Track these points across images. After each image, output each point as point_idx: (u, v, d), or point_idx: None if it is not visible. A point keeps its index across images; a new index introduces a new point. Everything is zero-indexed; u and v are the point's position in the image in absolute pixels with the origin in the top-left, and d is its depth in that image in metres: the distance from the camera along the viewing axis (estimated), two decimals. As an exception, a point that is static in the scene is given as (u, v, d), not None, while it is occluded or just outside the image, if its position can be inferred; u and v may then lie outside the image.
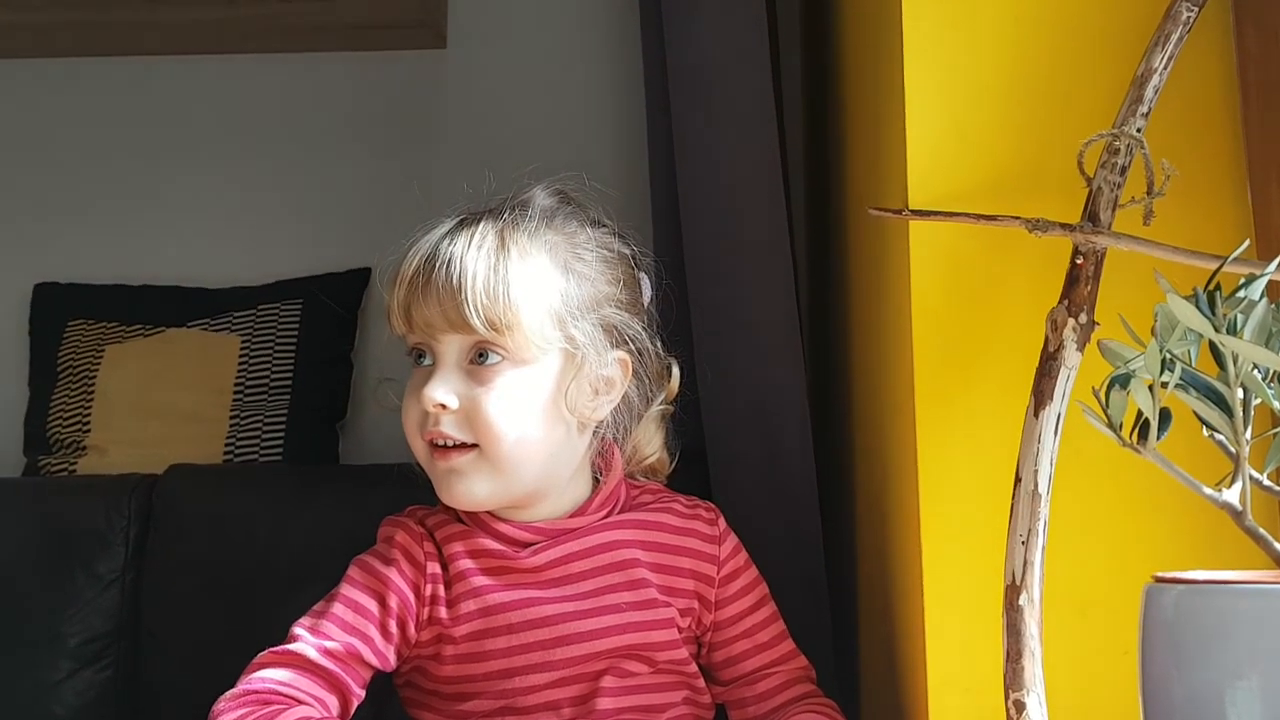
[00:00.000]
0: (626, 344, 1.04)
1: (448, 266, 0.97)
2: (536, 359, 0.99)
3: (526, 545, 1.01)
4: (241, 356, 1.78)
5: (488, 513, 1.02)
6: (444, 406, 0.97)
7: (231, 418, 1.73)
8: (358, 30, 1.85)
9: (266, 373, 1.78)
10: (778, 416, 1.25)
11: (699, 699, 1.02)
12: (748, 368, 1.24)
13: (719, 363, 1.22)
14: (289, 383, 1.78)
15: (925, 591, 0.91)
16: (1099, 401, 0.71)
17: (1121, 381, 0.69)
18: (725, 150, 1.25)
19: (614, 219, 1.07)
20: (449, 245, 0.98)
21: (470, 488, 0.99)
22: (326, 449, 1.79)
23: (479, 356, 0.98)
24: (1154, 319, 0.68)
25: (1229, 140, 0.93)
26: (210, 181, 1.88)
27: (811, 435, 1.24)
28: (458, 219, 1.02)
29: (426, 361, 1.00)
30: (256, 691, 0.92)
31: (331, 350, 1.82)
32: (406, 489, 1.55)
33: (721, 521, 1.07)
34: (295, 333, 1.81)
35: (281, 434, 1.74)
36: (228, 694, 0.92)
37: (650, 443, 1.08)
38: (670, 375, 1.08)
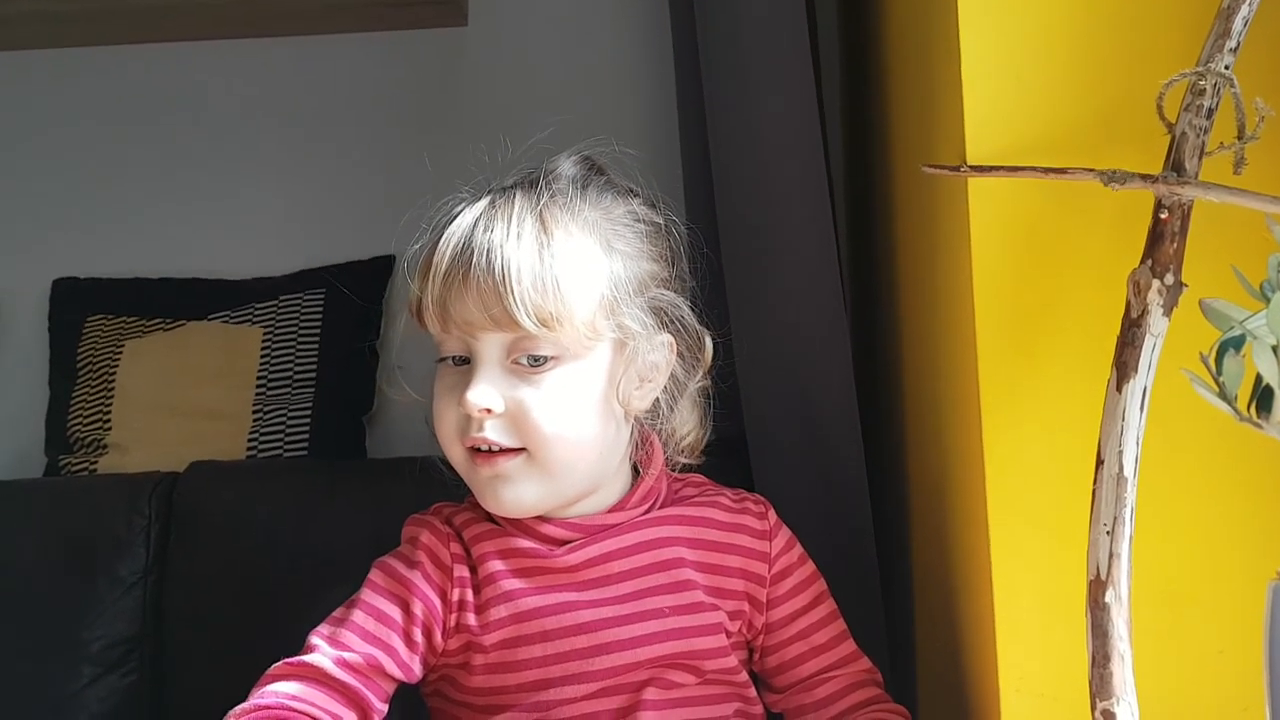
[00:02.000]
0: (672, 324, 0.96)
1: (489, 258, 0.88)
2: (587, 353, 0.91)
3: (562, 543, 0.94)
4: (264, 349, 1.73)
5: None
6: (489, 411, 0.90)
7: (254, 412, 1.68)
8: (376, 8, 1.79)
9: (290, 365, 1.73)
10: (822, 398, 1.17)
11: (750, 710, 0.94)
12: (788, 344, 1.16)
13: (757, 339, 1.14)
14: (313, 375, 1.73)
15: (994, 586, 0.83)
16: (1208, 370, 0.62)
17: (1235, 345, 0.60)
18: (761, 114, 1.17)
19: (643, 184, 0.99)
20: (486, 233, 0.89)
21: (519, 494, 0.91)
22: (353, 442, 1.73)
23: (525, 355, 0.90)
24: (1268, 272, 0.59)
25: (1326, 78, 0.84)
26: (229, 169, 1.83)
27: (859, 419, 1.16)
28: (487, 198, 0.93)
29: (464, 360, 0.92)
30: (268, 707, 0.84)
31: (356, 341, 1.76)
32: (435, 483, 1.51)
33: (772, 514, 0.98)
34: (318, 323, 1.76)
35: (306, 428, 1.69)
36: (237, 710, 0.85)
37: (686, 422, 0.99)
38: (704, 347, 0.99)
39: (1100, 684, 0.71)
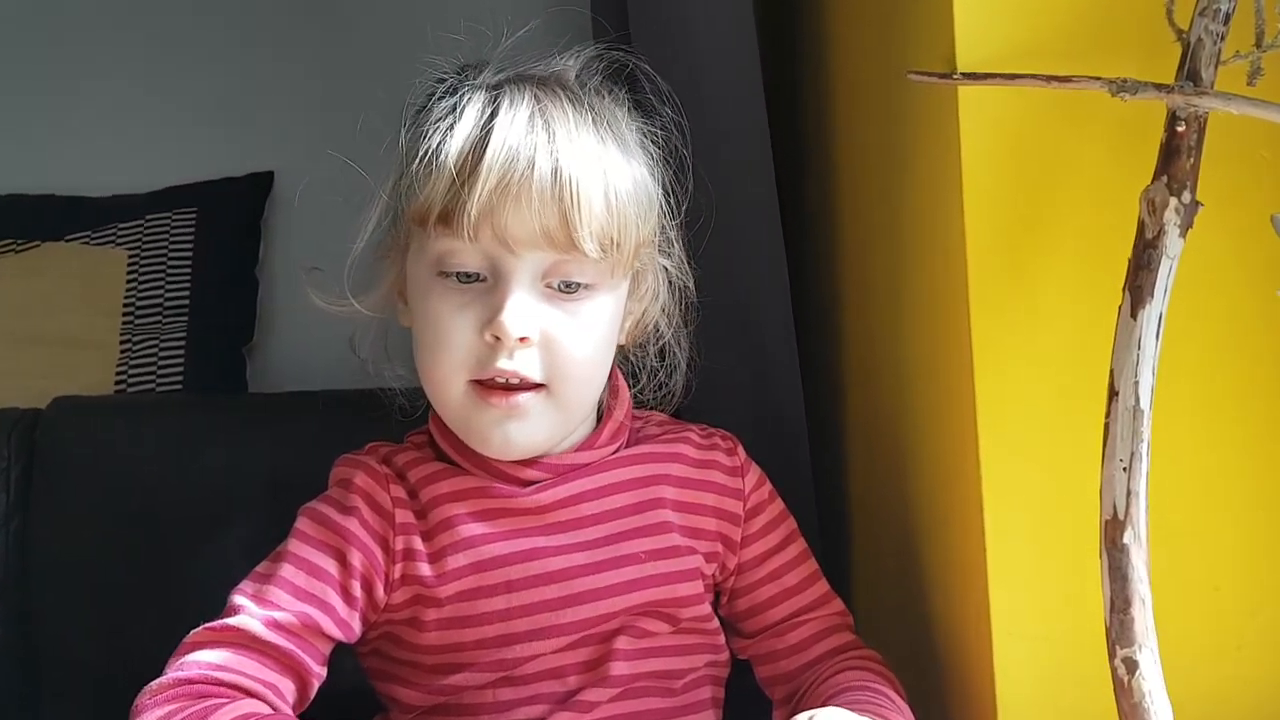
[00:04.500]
0: (668, 254, 0.89)
1: (556, 170, 0.78)
2: (616, 282, 0.84)
3: (528, 484, 0.85)
4: (130, 273, 1.59)
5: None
6: (525, 340, 0.80)
7: (122, 343, 1.55)
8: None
9: (160, 291, 1.59)
10: (761, 320, 1.10)
11: (718, 659, 0.88)
12: (726, 266, 1.09)
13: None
14: (186, 302, 1.59)
15: (986, 525, 0.78)
16: None
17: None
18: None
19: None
20: (544, 137, 0.79)
21: (531, 433, 0.82)
22: (233, 375, 1.60)
23: (562, 280, 0.81)
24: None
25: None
26: (85, 72, 1.66)
27: (797, 355, 1.10)
28: (526, 94, 0.82)
29: (476, 277, 0.81)
30: (189, 681, 0.73)
31: (233, 265, 1.64)
32: (335, 419, 1.39)
33: (741, 450, 0.91)
34: (190, 246, 1.63)
35: (180, 360, 1.56)
36: (153, 685, 0.74)
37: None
38: (689, 279, 0.93)
39: (1120, 630, 0.67)
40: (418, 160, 0.81)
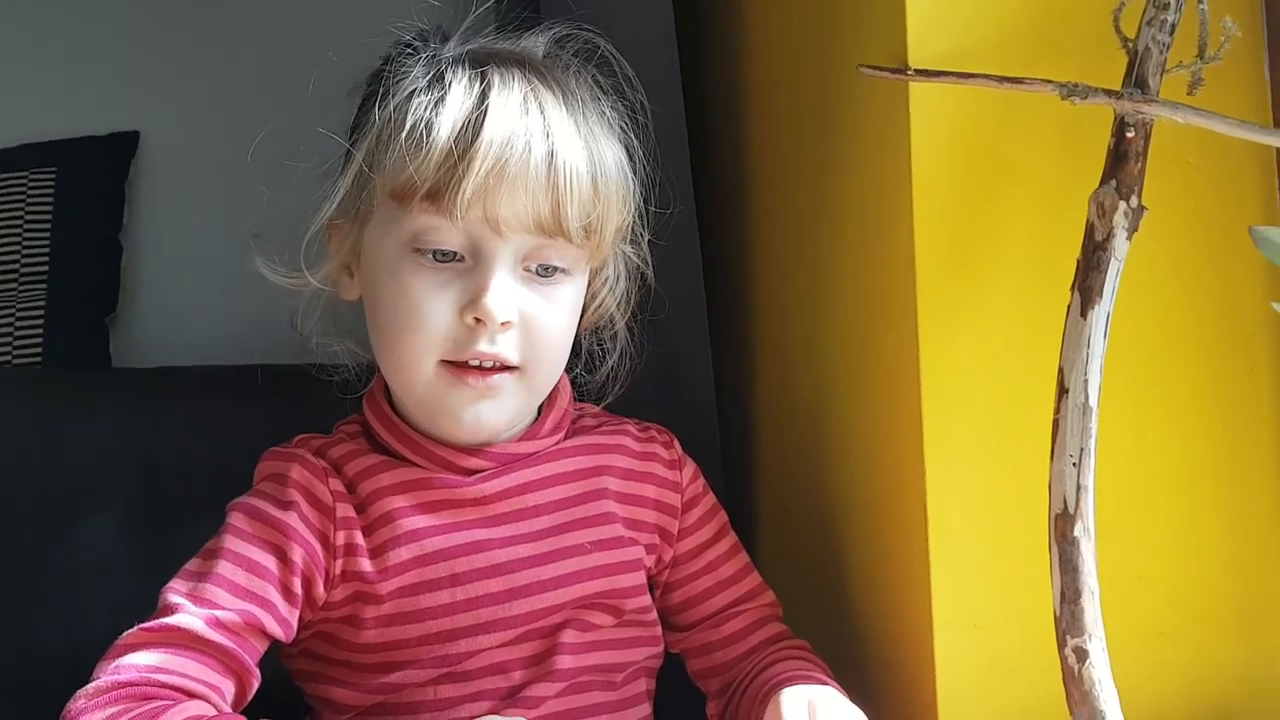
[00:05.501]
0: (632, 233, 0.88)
1: (551, 153, 0.78)
2: (586, 269, 0.84)
3: (472, 473, 0.83)
4: (-20, 237, 1.48)
5: (422, 434, 0.83)
6: (508, 324, 0.78)
7: (-27, 312, 1.44)
8: None
9: (16, 257, 1.50)
10: (672, 306, 1.10)
11: (655, 651, 0.87)
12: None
13: None
14: (45, 269, 1.50)
15: (929, 516, 0.79)
16: None
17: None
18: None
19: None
20: (539, 121, 0.78)
21: (499, 413, 0.81)
22: (95, 348, 1.51)
23: (540, 265, 0.80)
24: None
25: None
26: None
27: (710, 350, 1.10)
28: (516, 71, 0.81)
29: (454, 256, 0.79)
30: (127, 684, 0.68)
31: (95, 230, 1.55)
32: (211, 398, 1.33)
33: (677, 444, 0.91)
34: (49, 208, 1.53)
35: (39, 331, 1.47)
36: (88, 689, 0.69)
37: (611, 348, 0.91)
38: (647, 270, 0.93)
39: (1071, 621, 0.69)
40: (404, 133, 0.78)
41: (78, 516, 1.24)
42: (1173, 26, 0.75)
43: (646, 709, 0.86)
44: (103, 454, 1.25)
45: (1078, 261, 0.74)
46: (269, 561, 0.76)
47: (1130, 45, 0.76)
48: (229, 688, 0.72)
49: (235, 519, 0.77)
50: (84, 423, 1.29)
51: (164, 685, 0.69)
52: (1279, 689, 0.82)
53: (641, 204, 0.87)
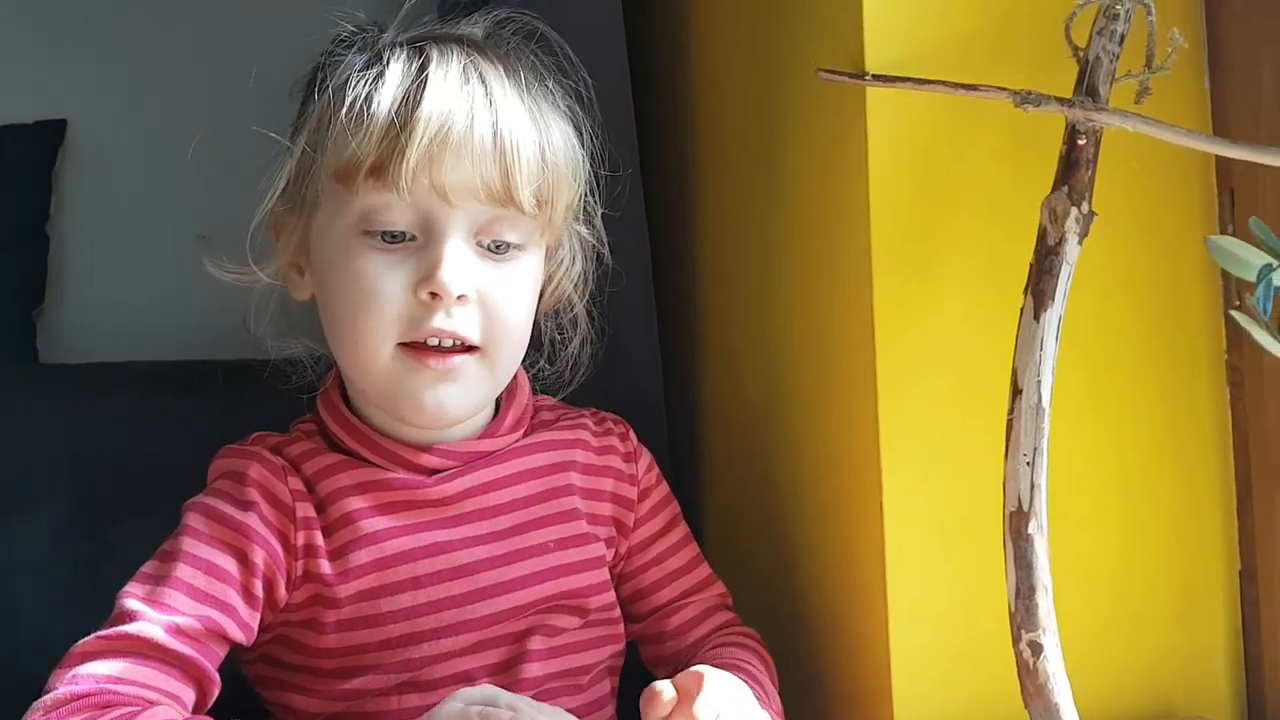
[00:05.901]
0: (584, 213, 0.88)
1: (495, 121, 0.77)
2: (539, 245, 0.82)
3: (433, 473, 0.82)
4: (-101, 228, 1.44)
5: (381, 433, 0.82)
6: (464, 298, 0.77)
7: (-107, 306, 1.40)
8: None
9: (-65, 249, 1.44)
10: (620, 304, 1.10)
11: (618, 649, 0.87)
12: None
13: None
14: (-35, 261, 1.45)
15: (885, 512, 0.81)
16: (1257, 316, 0.61)
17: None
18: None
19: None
20: (480, 90, 0.78)
21: (462, 398, 0.80)
22: (21, 343, 1.47)
23: (493, 239, 0.79)
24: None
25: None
26: None
27: (660, 351, 1.10)
28: (454, 47, 0.81)
29: (404, 236, 0.78)
30: (84, 695, 0.66)
31: (20, 221, 1.50)
32: (144, 395, 1.31)
33: (633, 435, 0.91)
34: (-31, 199, 1.48)
35: (-39, 325, 1.42)
36: (45, 701, 0.67)
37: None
38: (604, 254, 0.94)
39: (1026, 616, 0.71)
40: (344, 111, 0.77)
41: (9, 515, 1.22)
42: (1122, 37, 0.77)
43: (611, 709, 0.86)
44: (31, 452, 1.23)
45: (1030, 265, 0.76)
46: (229, 564, 0.74)
47: (1081, 54, 0.78)
48: (189, 695, 0.71)
49: (192, 520, 0.76)
50: (11, 420, 1.26)
51: (123, 696, 0.67)
52: (1218, 679, 0.85)
53: (593, 180, 0.87)
